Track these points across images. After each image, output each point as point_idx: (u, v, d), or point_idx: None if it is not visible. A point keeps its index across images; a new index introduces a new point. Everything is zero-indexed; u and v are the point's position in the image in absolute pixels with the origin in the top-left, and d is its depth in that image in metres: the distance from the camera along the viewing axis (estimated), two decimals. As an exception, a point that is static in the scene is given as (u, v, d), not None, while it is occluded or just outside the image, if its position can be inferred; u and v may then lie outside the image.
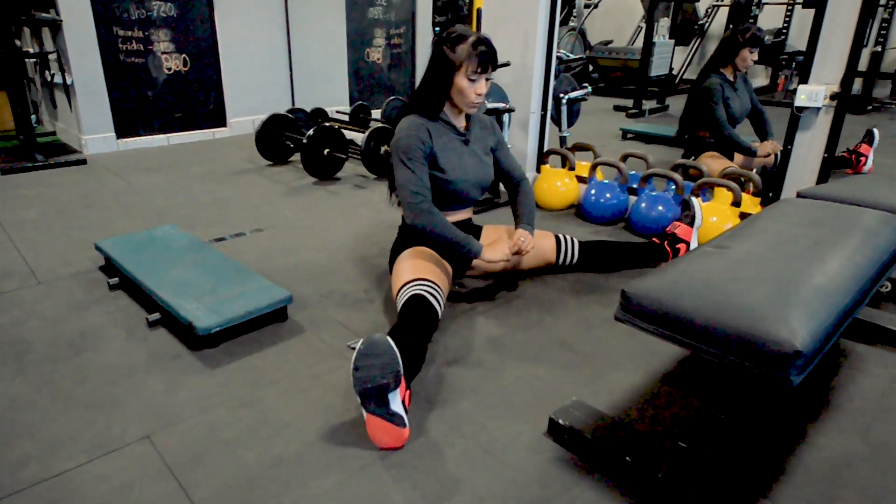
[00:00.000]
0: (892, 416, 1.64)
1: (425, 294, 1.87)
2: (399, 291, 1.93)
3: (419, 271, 1.96)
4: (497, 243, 2.16)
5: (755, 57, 3.32)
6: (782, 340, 1.10)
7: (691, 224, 2.50)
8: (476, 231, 2.35)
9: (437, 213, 2.01)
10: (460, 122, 2.15)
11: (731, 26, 6.86)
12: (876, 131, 3.81)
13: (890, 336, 2.00)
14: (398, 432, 1.47)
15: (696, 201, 2.53)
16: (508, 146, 2.37)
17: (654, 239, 2.52)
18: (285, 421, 1.59)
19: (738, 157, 3.51)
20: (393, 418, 1.46)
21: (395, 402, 1.47)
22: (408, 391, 1.55)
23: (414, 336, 1.68)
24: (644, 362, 1.87)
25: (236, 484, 1.37)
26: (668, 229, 2.52)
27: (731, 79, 3.38)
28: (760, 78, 8.28)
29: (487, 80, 2.03)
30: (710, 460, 1.43)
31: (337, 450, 1.48)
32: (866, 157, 3.77)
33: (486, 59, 1.97)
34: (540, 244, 2.35)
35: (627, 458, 1.38)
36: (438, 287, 1.93)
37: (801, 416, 1.63)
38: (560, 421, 1.50)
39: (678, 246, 2.46)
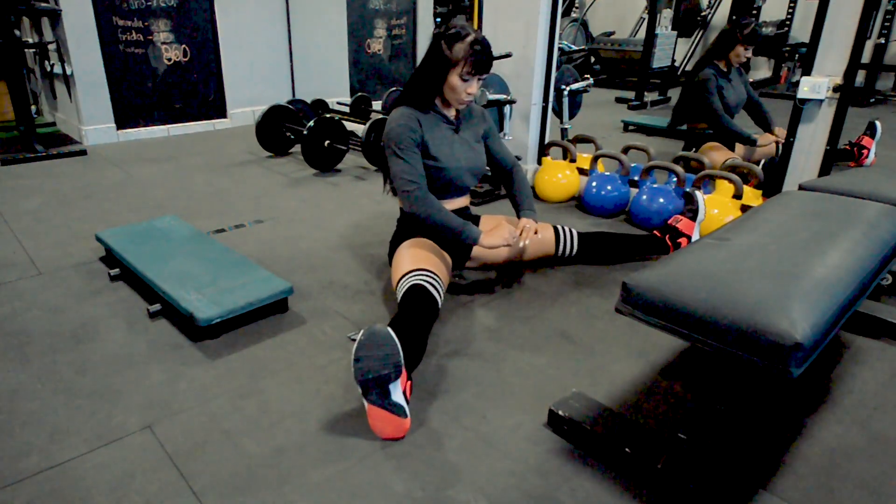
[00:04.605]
0: (891, 408, 1.64)
1: (425, 284, 1.86)
2: (399, 282, 1.93)
3: (419, 261, 1.96)
4: (497, 230, 2.08)
5: (749, 54, 3.34)
6: (783, 332, 1.10)
7: (693, 218, 2.47)
8: (474, 221, 2.35)
9: (433, 199, 2.01)
10: (451, 113, 2.15)
11: (732, 18, 6.86)
12: (878, 123, 3.81)
13: (890, 329, 1.99)
14: (399, 422, 1.47)
15: (699, 195, 2.50)
16: (508, 137, 2.36)
17: (655, 232, 2.51)
18: (286, 411, 1.59)
19: (740, 148, 3.50)
20: (394, 409, 1.46)
21: (397, 393, 1.48)
22: (409, 382, 1.55)
23: (414, 326, 1.69)
24: (644, 354, 1.87)
25: (237, 473, 1.38)
26: (670, 222, 2.51)
27: (725, 69, 3.39)
28: (763, 70, 8.24)
29: (479, 80, 2.01)
30: (710, 452, 1.44)
31: (337, 440, 1.49)
32: (868, 150, 3.77)
33: (482, 61, 1.95)
34: (540, 234, 2.34)
35: (627, 450, 1.38)
36: (438, 277, 1.93)
37: (801, 408, 1.63)
38: (560, 412, 1.51)
39: (679, 240, 2.44)
